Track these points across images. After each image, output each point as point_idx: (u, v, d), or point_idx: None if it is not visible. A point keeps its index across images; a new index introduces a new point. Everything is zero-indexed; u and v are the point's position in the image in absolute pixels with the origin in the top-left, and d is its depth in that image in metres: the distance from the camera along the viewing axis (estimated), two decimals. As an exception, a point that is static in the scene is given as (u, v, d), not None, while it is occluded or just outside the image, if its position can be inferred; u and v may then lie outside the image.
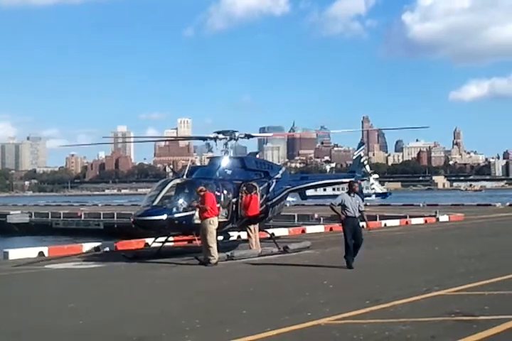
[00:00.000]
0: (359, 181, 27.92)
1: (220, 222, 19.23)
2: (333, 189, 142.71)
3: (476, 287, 12.26)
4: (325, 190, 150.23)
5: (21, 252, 20.84)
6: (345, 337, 8.33)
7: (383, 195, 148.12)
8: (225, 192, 19.81)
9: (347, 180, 29.01)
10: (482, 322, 8.96)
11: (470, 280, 12.93)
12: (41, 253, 20.75)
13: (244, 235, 23.61)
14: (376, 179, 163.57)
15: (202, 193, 17.46)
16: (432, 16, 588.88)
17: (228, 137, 21.79)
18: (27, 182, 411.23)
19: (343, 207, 15.99)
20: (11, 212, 58.29)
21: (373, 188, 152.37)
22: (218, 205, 18.96)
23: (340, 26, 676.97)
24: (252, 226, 20.27)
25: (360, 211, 16.09)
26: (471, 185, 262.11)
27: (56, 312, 10.76)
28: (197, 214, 17.80)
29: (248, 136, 23.04)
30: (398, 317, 9.39)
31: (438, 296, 11.38)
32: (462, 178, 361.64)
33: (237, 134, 22.06)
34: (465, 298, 11.11)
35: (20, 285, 14.47)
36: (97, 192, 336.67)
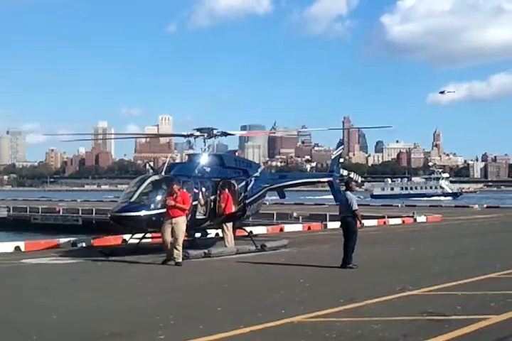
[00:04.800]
0: (337, 180, 28.07)
1: (197, 220, 19.31)
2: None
3: (449, 287, 12.37)
4: (406, 188, 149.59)
5: (-3, 246, 20.71)
6: (317, 334, 8.38)
7: (454, 195, 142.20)
8: (203, 189, 19.80)
9: (325, 179, 29.28)
10: (454, 322, 9.05)
11: (444, 281, 13.04)
12: (17, 248, 20.64)
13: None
14: (447, 178, 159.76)
15: (178, 191, 17.25)
16: (412, 18, 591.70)
17: (206, 134, 21.81)
18: (6, 177, 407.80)
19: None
20: (-11, 207, 57.88)
21: (443, 188, 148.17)
22: (196, 202, 19.01)
23: (322, 26, 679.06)
24: (227, 224, 20.29)
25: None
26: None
27: (30, 307, 10.72)
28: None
29: (226, 134, 23.04)
30: (371, 316, 9.46)
31: (411, 296, 11.47)
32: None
33: (215, 132, 22.10)
34: (438, 298, 11.20)
35: (-5, 279, 14.40)
36: (77, 188, 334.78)
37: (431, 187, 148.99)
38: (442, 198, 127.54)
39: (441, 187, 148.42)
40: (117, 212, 18.42)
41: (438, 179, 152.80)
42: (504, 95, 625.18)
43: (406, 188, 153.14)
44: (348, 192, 16.42)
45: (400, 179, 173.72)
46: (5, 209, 56.82)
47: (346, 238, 15.92)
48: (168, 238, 16.70)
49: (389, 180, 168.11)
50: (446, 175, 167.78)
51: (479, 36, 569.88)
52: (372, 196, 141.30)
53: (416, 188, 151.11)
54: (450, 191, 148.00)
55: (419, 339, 8.04)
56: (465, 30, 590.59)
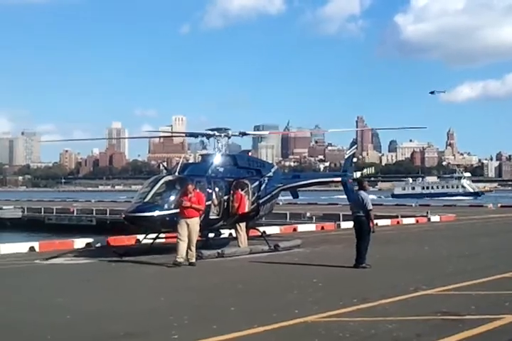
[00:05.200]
0: (350, 180, 27.98)
1: (211, 220, 19.30)
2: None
3: (463, 287, 12.33)
4: (428, 188, 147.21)
5: (12, 247, 20.82)
6: (331, 334, 8.38)
7: (475, 195, 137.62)
8: (217, 189, 19.81)
9: (338, 179, 29.18)
10: (468, 322, 9.02)
11: (458, 280, 12.99)
12: (32, 248, 20.75)
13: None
14: (469, 178, 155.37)
15: (193, 191, 17.18)
16: (426, 18, 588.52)
17: (222, 135, 21.83)
18: (20, 178, 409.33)
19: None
20: (4, 207, 58.18)
21: (464, 187, 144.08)
22: (209, 203, 19.02)
23: (335, 26, 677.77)
24: (241, 224, 20.30)
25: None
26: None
27: (44, 307, 10.79)
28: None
29: (241, 134, 23.07)
30: (385, 316, 9.45)
31: (425, 295, 11.44)
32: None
33: (229, 132, 22.14)
34: (452, 298, 11.18)
35: (10, 279, 14.46)
36: (91, 188, 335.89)
37: (452, 187, 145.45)
38: (464, 198, 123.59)
39: (462, 186, 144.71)
40: (131, 212, 18.48)
41: (460, 178, 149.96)
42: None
43: (427, 188, 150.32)
44: (362, 192, 16.32)
45: (421, 178, 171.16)
46: (19, 210, 57.13)
47: (359, 238, 15.85)
48: (186, 239, 16.53)
49: (410, 179, 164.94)
50: (468, 174, 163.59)
51: (493, 35, 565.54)
52: (393, 195, 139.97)
53: (437, 188, 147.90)
54: (472, 190, 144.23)
55: (433, 339, 8.02)
56: (479, 29, 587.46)
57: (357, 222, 16.05)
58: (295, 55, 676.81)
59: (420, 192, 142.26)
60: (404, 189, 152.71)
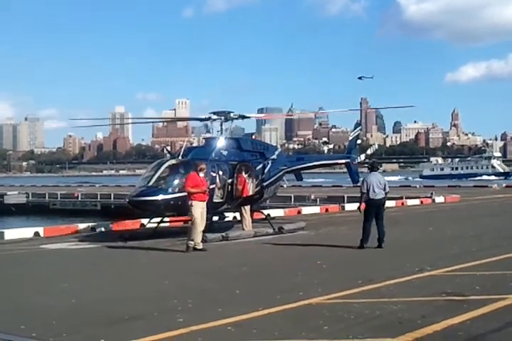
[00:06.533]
0: (353, 162, 27.92)
1: (215, 203, 19.30)
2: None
3: (468, 267, 12.32)
4: (457, 168, 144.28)
5: (17, 232, 20.85)
6: (335, 316, 8.37)
7: (505, 175, 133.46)
8: (221, 172, 19.79)
9: (342, 161, 29.18)
10: (472, 302, 9.02)
11: (462, 261, 13.00)
12: (37, 234, 20.78)
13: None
14: (499, 158, 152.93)
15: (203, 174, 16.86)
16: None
17: (223, 118, 21.76)
18: (25, 163, 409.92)
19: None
20: (8, 193, 58.15)
21: (494, 167, 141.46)
22: (213, 186, 18.99)
23: (338, 7, 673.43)
24: (245, 207, 20.31)
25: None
26: None
27: (50, 292, 10.80)
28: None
29: (243, 117, 22.98)
30: (390, 297, 9.45)
31: (430, 276, 11.45)
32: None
33: (232, 115, 22.05)
34: (457, 278, 11.17)
35: (15, 264, 14.48)
36: (95, 173, 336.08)
37: (482, 167, 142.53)
38: (494, 178, 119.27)
39: (492, 166, 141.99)
40: (135, 197, 18.51)
41: (489, 158, 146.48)
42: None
43: (456, 168, 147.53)
44: (378, 173, 16.13)
45: (450, 159, 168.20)
46: (24, 195, 57.16)
47: (373, 220, 15.71)
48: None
49: (439, 159, 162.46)
50: (498, 154, 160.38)
51: (498, 14, 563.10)
52: (422, 176, 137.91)
53: (467, 168, 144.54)
54: (502, 170, 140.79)
55: (438, 320, 7.99)
56: (484, 8, 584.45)
57: (376, 205, 15.74)
58: (298, 37, 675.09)
59: (449, 173, 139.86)
60: (432, 170, 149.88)
